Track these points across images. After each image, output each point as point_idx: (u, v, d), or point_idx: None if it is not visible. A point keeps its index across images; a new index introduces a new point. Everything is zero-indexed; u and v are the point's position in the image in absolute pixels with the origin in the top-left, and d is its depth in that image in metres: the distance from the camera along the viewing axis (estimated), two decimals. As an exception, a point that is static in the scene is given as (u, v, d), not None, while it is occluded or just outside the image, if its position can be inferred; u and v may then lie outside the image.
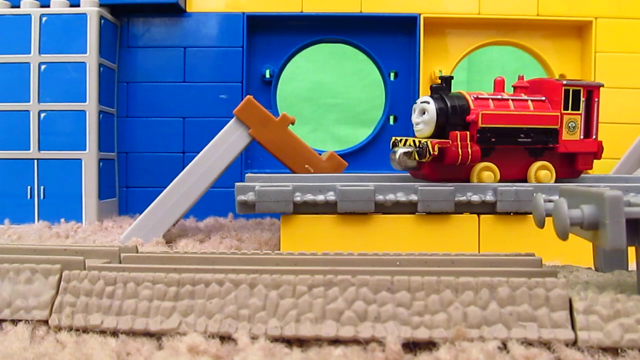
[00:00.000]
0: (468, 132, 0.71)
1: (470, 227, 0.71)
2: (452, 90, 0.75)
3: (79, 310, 0.45)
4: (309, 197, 0.70)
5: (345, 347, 0.41)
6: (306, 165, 0.86)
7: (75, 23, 1.04)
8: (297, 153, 0.87)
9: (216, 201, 1.11)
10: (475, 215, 0.71)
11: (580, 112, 0.76)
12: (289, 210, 0.70)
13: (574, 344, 0.41)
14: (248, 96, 0.87)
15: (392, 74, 1.16)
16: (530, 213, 0.66)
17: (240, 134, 0.88)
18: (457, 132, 0.70)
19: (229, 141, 0.88)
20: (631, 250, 0.43)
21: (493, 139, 0.72)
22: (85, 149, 1.04)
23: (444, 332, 0.41)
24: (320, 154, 0.91)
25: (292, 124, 0.89)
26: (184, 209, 0.87)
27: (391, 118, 1.16)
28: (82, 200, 1.03)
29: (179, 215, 0.87)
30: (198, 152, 0.88)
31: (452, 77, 0.76)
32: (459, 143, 0.70)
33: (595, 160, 0.78)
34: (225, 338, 0.43)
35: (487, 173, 0.73)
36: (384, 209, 0.71)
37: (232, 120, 0.89)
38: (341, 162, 0.88)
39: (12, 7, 1.06)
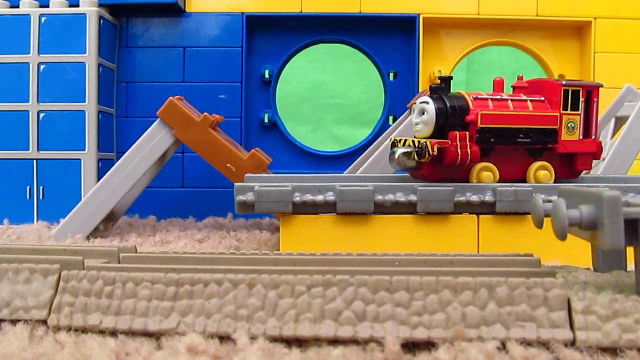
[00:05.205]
0: (467, 133, 0.71)
1: (469, 227, 0.71)
2: (452, 91, 0.75)
3: (78, 310, 0.45)
4: (308, 197, 0.70)
5: (344, 347, 0.41)
6: (228, 165, 0.87)
7: (74, 23, 1.04)
8: (219, 152, 0.88)
9: (215, 201, 1.11)
10: (475, 216, 0.71)
11: (579, 112, 0.76)
12: (288, 211, 0.70)
13: (572, 344, 0.41)
14: (170, 98, 0.87)
15: (391, 74, 1.16)
16: (529, 213, 0.66)
17: (164, 134, 0.90)
18: (456, 132, 0.70)
19: (153, 142, 0.90)
20: (630, 251, 0.43)
21: (492, 139, 0.72)
22: (84, 149, 1.04)
23: (442, 332, 0.41)
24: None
25: (218, 123, 0.90)
26: (110, 207, 0.89)
27: (390, 118, 1.16)
28: (81, 201, 1.03)
29: (105, 213, 0.89)
30: (197, 153, 0.89)
31: (451, 78, 0.76)
32: (458, 143, 0.70)
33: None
34: (224, 338, 0.43)
35: (486, 173, 0.73)
36: (383, 209, 0.71)
37: (157, 122, 0.91)
38: (262, 160, 0.88)
39: (11, 7, 1.06)
